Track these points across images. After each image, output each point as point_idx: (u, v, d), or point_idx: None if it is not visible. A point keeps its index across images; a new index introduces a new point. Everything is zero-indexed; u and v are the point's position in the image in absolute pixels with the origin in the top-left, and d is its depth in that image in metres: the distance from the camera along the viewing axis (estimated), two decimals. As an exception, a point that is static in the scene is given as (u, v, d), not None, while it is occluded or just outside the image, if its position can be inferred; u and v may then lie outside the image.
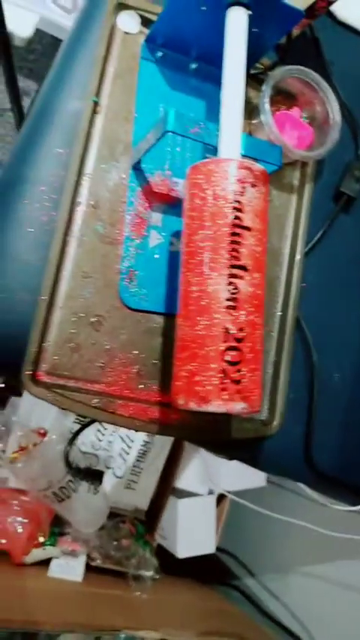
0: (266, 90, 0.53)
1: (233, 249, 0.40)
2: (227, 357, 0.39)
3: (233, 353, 0.39)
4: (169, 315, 0.51)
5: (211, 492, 1.01)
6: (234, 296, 0.39)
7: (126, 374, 0.50)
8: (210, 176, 0.41)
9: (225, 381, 0.38)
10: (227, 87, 0.45)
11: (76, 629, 0.74)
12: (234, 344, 0.39)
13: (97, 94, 0.50)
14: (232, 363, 0.39)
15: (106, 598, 0.83)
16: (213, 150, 0.54)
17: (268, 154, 0.47)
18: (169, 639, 0.78)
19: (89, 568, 0.87)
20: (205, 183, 0.41)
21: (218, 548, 1.03)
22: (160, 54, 0.53)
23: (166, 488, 0.94)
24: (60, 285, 0.48)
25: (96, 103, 0.50)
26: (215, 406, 0.38)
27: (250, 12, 0.45)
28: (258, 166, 0.42)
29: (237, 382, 0.39)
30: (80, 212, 0.49)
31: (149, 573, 0.88)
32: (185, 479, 0.97)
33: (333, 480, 0.60)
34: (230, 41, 0.45)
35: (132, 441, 0.92)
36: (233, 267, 0.40)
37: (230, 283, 0.39)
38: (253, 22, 0.46)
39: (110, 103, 0.51)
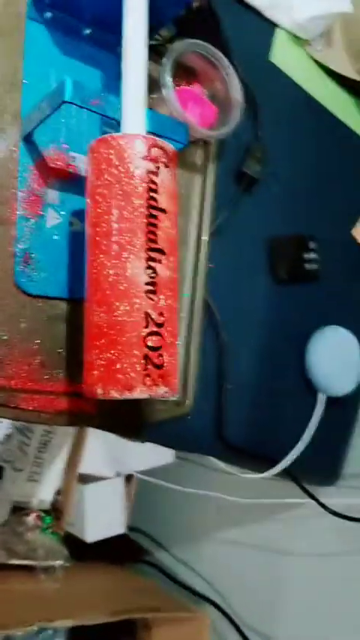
0: (167, 63, 0.51)
1: (150, 232, 0.38)
2: (149, 343, 0.38)
3: (154, 338, 0.38)
4: (73, 300, 0.48)
5: (118, 474, 1.00)
6: (153, 280, 0.38)
7: (28, 365, 0.46)
8: (122, 152, 0.39)
9: (148, 366, 0.37)
10: (128, 58, 0.42)
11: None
12: (155, 329, 0.38)
13: (-21, 55, 0.45)
14: (153, 349, 0.38)
15: (15, 594, 0.80)
16: (114, 124, 0.51)
17: (174, 131, 0.46)
18: (83, 624, 0.77)
19: (-7, 566, 0.83)
20: (117, 160, 0.39)
21: (130, 528, 1.02)
22: (49, 14, 0.48)
23: (71, 476, 0.92)
24: None
25: (-22, 66, 0.45)
26: (139, 393, 0.37)
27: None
28: (170, 145, 0.40)
29: (159, 367, 0.38)
30: (-35, 189, 0.44)
31: (59, 562, 0.85)
32: (91, 463, 0.95)
33: (243, 452, 0.62)
34: (130, 10, 0.42)
35: (32, 432, 0.88)
36: (151, 250, 0.38)
37: (149, 267, 0.38)
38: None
39: (-6, 66, 0.46)
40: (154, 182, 0.39)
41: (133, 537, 1.10)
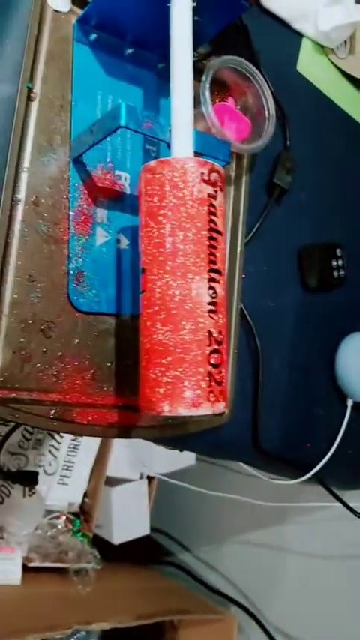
0: (206, 80, 0.52)
1: (211, 253, 0.39)
2: (212, 361, 0.39)
3: (216, 356, 0.39)
4: (119, 316, 0.50)
5: (141, 477, 1.01)
6: (214, 300, 0.40)
7: (81, 380, 0.48)
8: (185, 175, 0.40)
9: (212, 384, 0.39)
10: (177, 82, 0.43)
11: (23, 634, 0.72)
12: (216, 347, 0.39)
13: (31, 78, 0.46)
14: (215, 366, 0.39)
15: (50, 597, 0.82)
16: (155, 142, 0.53)
17: (218, 150, 0.47)
18: (118, 626, 0.79)
19: (27, 569, 0.84)
20: (181, 182, 0.40)
21: (152, 528, 1.04)
22: (94, 36, 0.50)
23: (99, 479, 0.93)
24: (3, 291, 0.44)
25: (30, 89, 0.46)
26: (204, 409, 0.38)
27: (194, 3, 0.44)
28: (222, 168, 0.42)
29: (219, 384, 0.39)
30: (20, 210, 0.45)
31: (90, 565, 0.87)
32: (117, 466, 0.96)
33: (276, 459, 0.63)
34: (177, 34, 0.43)
35: (62, 437, 0.89)
36: (212, 270, 0.40)
37: (210, 287, 0.39)
38: (195, 10, 0.45)
39: (44, 89, 0.47)
40: (213, 205, 0.40)
41: (155, 538, 1.12)
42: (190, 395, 0.38)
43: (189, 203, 0.40)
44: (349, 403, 0.69)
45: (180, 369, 0.39)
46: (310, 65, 0.72)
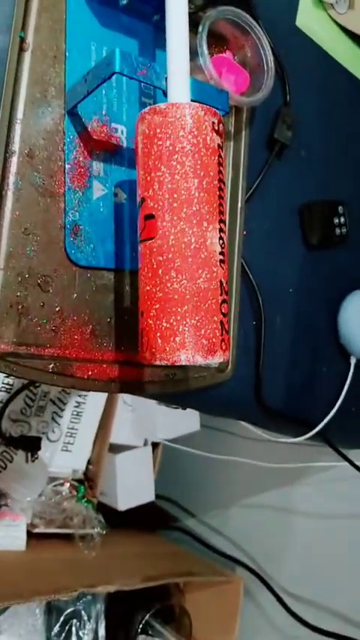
0: (203, 31, 0.51)
1: (220, 204, 0.39)
2: (223, 310, 0.39)
3: (225, 305, 0.40)
4: (118, 271, 0.49)
5: (146, 443, 1.02)
6: (223, 250, 0.40)
7: (80, 335, 0.47)
8: (200, 123, 0.40)
9: (223, 332, 0.39)
10: (172, 27, 0.42)
11: (29, 597, 0.73)
12: (225, 297, 0.40)
13: (23, 28, 0.45)
14: (225, 315, 0.39)
15: (55, 561, 0.83)
16: (151, 95, 0.52)
17: (216, 99, 0.46)
18: (123, 589, 0.80)
19: (32, 536, 0.85)
20: (196, 129, 0.39)
21: (157, 495, 1.05)
22: (86, -15, 0.48)
23: (102, 445, 0.94)
24: (-1, 244, 0.44)
25: (22, 39, 0.45)
26: (218, 357, 0.39)
27: None
28: (222, 119, 0.41)
29: (228, 333, 0.40)
30: (14, 162, 0.44)
31: (95, 530, 0.88)
32: (120, 433, 0.97)
33: (280, 416, 0.63)
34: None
35: (64, 404, 0.90)
36: (221, 221, 0.40)
37: (220, 237, 0.39)
38: None
39: (37, 39, 0.46)
40: (221, 156, 0.40)
41: (160, 505, 1.13)
42: (206, 343, 0.39)
43: (202, 151, 0.39)
44: (352, 361, 0.68)
45: (197, 317, 0.39)
46: (309, 20, 0.70)
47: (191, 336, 0.39)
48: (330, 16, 0.72)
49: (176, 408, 0.60)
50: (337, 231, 0.67)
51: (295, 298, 0.65)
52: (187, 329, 0.39)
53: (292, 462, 0.83)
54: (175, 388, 0.52)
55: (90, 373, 0.47)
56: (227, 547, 1.02)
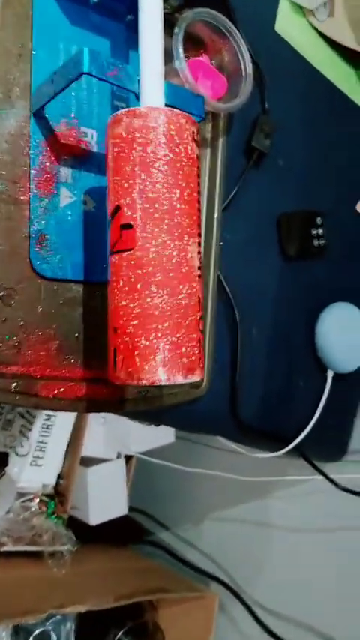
0: (179, 33, 0.49)
1: (198, 216, 0.37)
2: (201, 326, 0.38)
3: (202, 321, 0.38)
4: (88, 283, 0.47)
5: (119, 456, 0.99)
6: (200, 264, 0.38)
7: (46, 351, 0.45)
8: (182, 131, 0.37)
9: (201, 350, 0.38)
10: (146, 24, 0.40)
11: (-6, 620, 0.70)
12: (202, 312, 0.38)
13: (-15, 23, 0.42)
14: (201, 332, 0.38)
15: (23, 581, 0.79)
16: (124, 97, 0.49)
17: (191, 104, 0.43)
18: (94, 609, 0.77)
19: (-1, 554, 0.82)
20: (177, 138, 0.37)
21: (130, 508, 1.02)
22: (55, -20, 0.46)
23: (73, 459, 0.91)
24: None
25: (-16, 35, 0.42)
26: (196, 376, 0.37)
27: None
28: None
29: (203, 349, 0.39)
30: (-25, 167, 0.42)
31: (65, 547, 0.85)
32: (92, 446, 0.94)
33: (256, 432, 0.61)
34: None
35: (33, 417, 0.86)
36: (199, 234, 0.38)
37: (199, 251, 0.37)
38: None
39: (0, 36, 0.43)
40: (199, 167, 0.38)
41: (133, 517, 1.10)
42: (186, 362, 0.36)
43: (184, 160, 0.37)
44: (330, 374, 0.67)
45: (177, 335, 0.36)
46: (288, 26, 0.68)
47: (172, 355, 0.36)
48: (310, 22, 0.71)
49: (149, 424, 0.58)
50: (316, 242, 0.66)
51: (272, 310, 0.63)
52: (167, 347, 0.36)
53: (267, 475, 0.81)
54: (148, 406, 0.49)
55: (56, 392, 0.44)
56: (202, 561, 1.00)
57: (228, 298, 0.58)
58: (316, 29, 0.71)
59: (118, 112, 0.39)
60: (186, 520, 1.05)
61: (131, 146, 0.38)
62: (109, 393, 0.47)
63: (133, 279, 0.37)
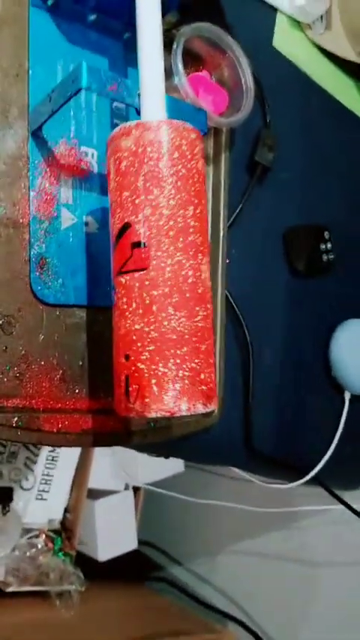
0: (178, 48, 0.47)
1: (208, 234, 0.35)
2: (214, 350, 0.36)
3: (215, 345, 0.37)
4: (91, 308, 0.44)
5: (127, 487, 0.96)
6: (210, 284, 0.36)
7: (48, 381, 0.42)
8: (194, 146, 0.36)
9: (216, 376, 0.36)
10: (145, 42, 0.39)
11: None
12: (214, 336, 0.36)
13: (-21, 43, 0.41)
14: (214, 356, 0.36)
15: (30, 624, 0.75)
16: (124, 115, 0.48)
17: (194, 118, 0.42)
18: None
19: (4, 595, 0.78)
20: (189, 153, 0.35)
21: (139, 541, 0.98)
22: (51, 1, 0.44)
23: (80, 491, 0.87)
24: None
25: (-22, 55, 0.41)
26: (214, 403, 0.34)
27: None
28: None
29: (216, 375, 0.37)
30: (-28, 191, 0.40)
31: (73, 587, 0.81)
32: (99, 477, 0.90)
33: (271, 461, 0.58)
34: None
35: (38, 449, 0.83)
36: (208, 253, 0.36)
37: (207, 270, 0.36)
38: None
39: (-4, 56, 0.42)
40: (206, 184, 0.36)
41: (143, 551, 1.06)
42: (205, 389, 0.34)
43: (196, 177, 0.35)
44: (347, 396, 0.64)
45: (197, 361, 0.34)
46: (286, 41, 0.68)
47: (192, 382, 0.33)
48: (307, 36, 0.70)
49: (158, 456, 0.54)
50: (324, 257, 0.63)
51: (283, 329, 0.60)
52: (187, 374, 0.33)
53: (283, 506, 0.78)
54: (158, 438, 0.46)
55: (60, 425, 0.41)
56: (217, 598, 0.95)
57: (237, 319, 0.55)
58: (313, 42, 0.71)
59: (126, 124, 0.37)
60: (198, 554, 1.01)
61: (142, 160, 0.35)
62: (116, 425, 0.44)
63: (147, 301, 0.34)
